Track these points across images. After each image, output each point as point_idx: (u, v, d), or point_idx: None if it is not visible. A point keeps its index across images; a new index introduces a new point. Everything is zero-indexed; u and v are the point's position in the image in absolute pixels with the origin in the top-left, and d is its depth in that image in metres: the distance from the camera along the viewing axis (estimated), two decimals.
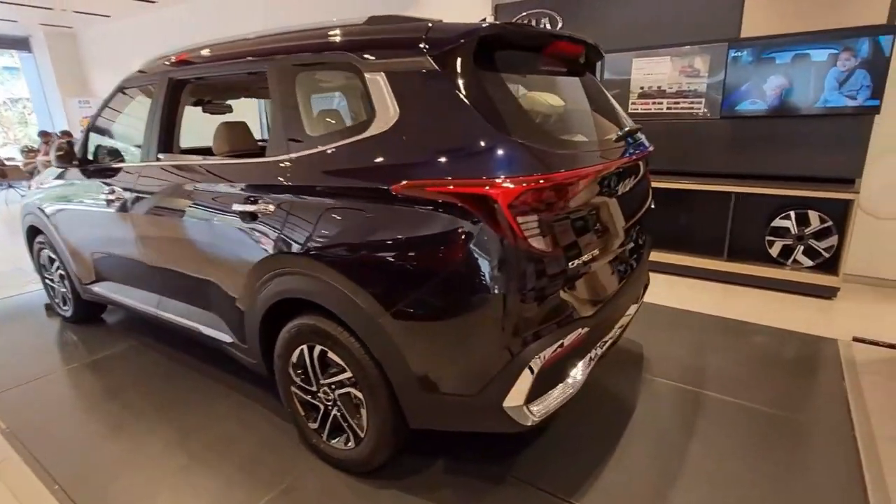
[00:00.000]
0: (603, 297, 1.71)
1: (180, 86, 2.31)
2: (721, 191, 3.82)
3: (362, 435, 1.77)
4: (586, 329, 1.61)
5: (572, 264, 1.51)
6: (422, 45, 1.51)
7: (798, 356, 2.78)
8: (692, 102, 3.91)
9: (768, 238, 3.83)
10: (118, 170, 2.54)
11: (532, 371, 1.45)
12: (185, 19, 7.81)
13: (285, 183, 1.75)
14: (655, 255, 4.06)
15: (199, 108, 2.99)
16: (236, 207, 1.89)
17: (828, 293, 3.58)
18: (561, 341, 1.51)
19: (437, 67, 1.47)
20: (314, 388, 1.87)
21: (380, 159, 1.53)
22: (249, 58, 1.96)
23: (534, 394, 1.50)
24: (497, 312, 1.39)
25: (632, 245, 2.00)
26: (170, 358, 2.84)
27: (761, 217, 3.88)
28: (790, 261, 3.76)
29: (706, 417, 2.19)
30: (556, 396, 1.56)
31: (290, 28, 1.91)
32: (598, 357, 1.80)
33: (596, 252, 1.63)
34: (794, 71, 3.49)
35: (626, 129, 1.98)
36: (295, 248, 1.70)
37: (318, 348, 1.79)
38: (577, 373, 1.63)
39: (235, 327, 2.09)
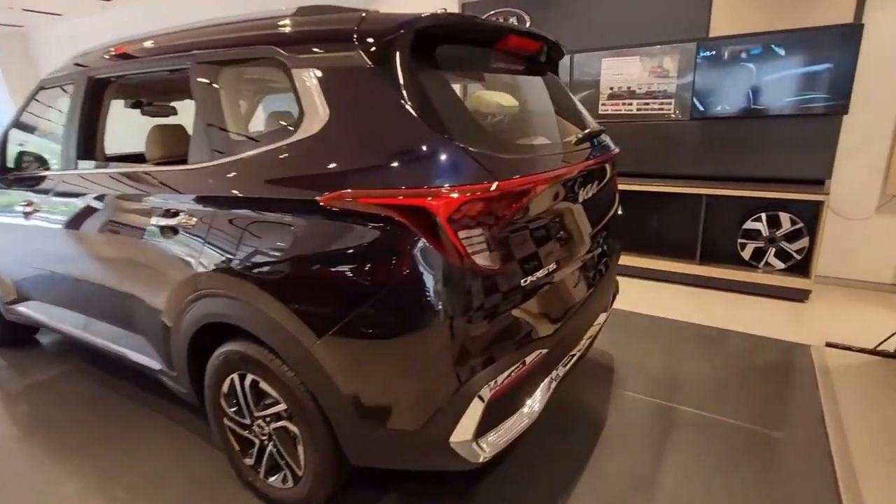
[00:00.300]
0: (565, 313, 1.57)
1: (102, 85, 2.09)
2: (692, 193, 3.76)
3: (300, 473, 1.59)
4: (545, 350, 1.47)
5: (527, 281, 1.37)
6: (353, 38, 1.35)
7: (771, 364, 2.69)
8: (662, 103, 3.84)
9: (740, 241, 3.77)
10: (37, 178, 2.30)
11: (482, 401, 1.30)
12: (142, 18, 7.48)
13: (207, 193, 1.56)
14: (627, 260, 3.97)
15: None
16: (157, 220, 1.69)
17: (800, 296, 3.53)
18: (515, 366, 1.37)
19: (369, 63, 1.31)
20: (248, 422, 1.69)
21: (307, 166, 1.37)
22: (170, 54, 1.77)
23: (484, 426, 1.34)
24: (440, 338, 1.24)
25: (598, 252, 1.87)
26: (104, 384, 2.61)
27: (733, 219, 3.82)
28: (762, 263, 3.71)
29: (678, 435, 2.08)
30: (511, 428, 1.41)
31: (214, 21, 1.72)
32: (562, 377, 1.67)
33: (555, 265, 1.49)
34: (762, 71, 3.44)
35: (588, 130, 1.86)
36: (218, 266, 1.52)
37: (249, 377, 1.61)
38: (535, 399, 1.49)
39: (163, 353, 1.88)
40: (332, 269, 1.30)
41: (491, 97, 1.54)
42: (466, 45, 1.55)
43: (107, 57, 2.05)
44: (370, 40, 1.32)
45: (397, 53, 1.30)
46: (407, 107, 1.26)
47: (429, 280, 1.20)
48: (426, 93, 1.30)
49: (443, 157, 1.23)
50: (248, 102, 2.80)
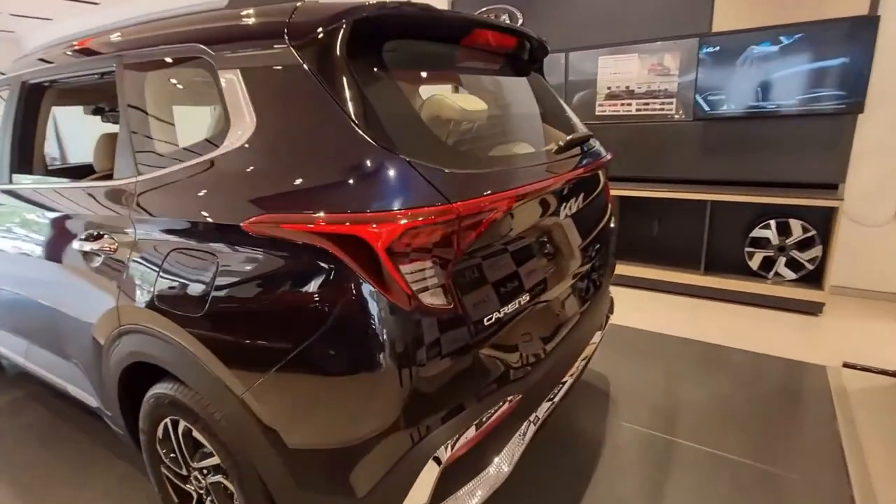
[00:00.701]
0: (547, 345, 1.36)
1: (37, 90, 1.90)
2: (696, 199, 3.52)
3: None
4: (518, 396, 1.25)
5: (493, 317, 1.15)
6: (284, 33, 1.14)
7: (784, 389, 2.46)
8: (663, 103, 3.61)
9: (748, 249, 3.53)
10: None
11: (438, 463, 1.09)
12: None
13: (128, 214, 1.36)
14: (627, 269, 3.74)
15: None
16: (81, 244, 1.49)
17: (813, 308, 3.28)
18: (480, 419, 1.15)
19: (300, 61, 1.10)
20: (185, 472, 1.48)
21: (232, 185, 1.16)
22: (97, 54, 1.57)
23: (442, 492, 1.12)
24: (384, 393, 1.03)
25: (589, 268, 1.67)
26: (57, 414, 2.41)
27: (740, 227, 3.58)
28: (772, 274, 3.47)
29: (678, 475, 1.85)
30: (474, 492, 1.19)
31: (144, 17, 1.52)
32: (545, 416, 1.45)
33: (533, 292, 1.28)
34: (770, 67, 3.20)
35: (574, 136, 1.64)
36: (139, 299, 1.32)
37: (182, 424, 1.40)
38: (506, 455, 1.27)
39: (99, 390, 1.68)
40: (259, 309, 1.09)
41: (452, 101, 1.33)
42: (426, 40, 1.34)
43: (39, 60, 1.86)
44: (302, 35, 1.11)
45: (334, 49, 1.09)
46: (342, 113, 1.05)
47: (367, 325, 0.99)
48: (368, 96, 1.09)
49: (384, 174, 1.02)
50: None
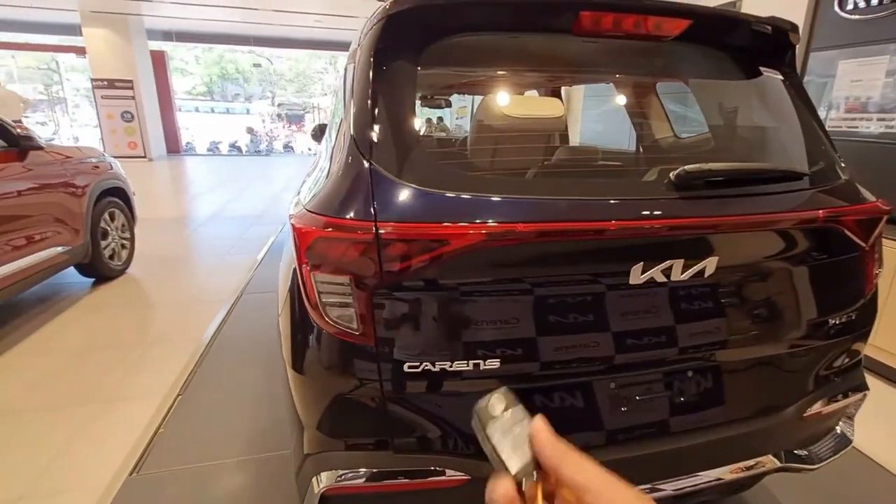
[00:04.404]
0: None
1: None
2: None
3: None
4: (462, 476, 0.93)
5: (421, 368, 0.87)
6: (366, 30, 1.11)
7: None
8: None
9: None
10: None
11: (315, 488, 0.94)
12: None
13: None
14: None
15: None
16: None
17: None
18: (385, 470, 0.93)
19: (359, 59, 1.07)
20: None
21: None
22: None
23: None
24: (291, 377, 1.00)
25: (715, 370, 1.04)
26: None
27: None
28: None
29: None
30: None
31: None
32: None
33: (502, 362, 0.89)
34: None
35: (694, 169, 0.90)
36: None
37: None
38: None
39: None
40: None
41: (496, 107, 0.96)
42: (513, 32, 1.03)
43: None
44: (365, 31, 1.07)
45: (373, 46, 0.99)
46: (351, 115, 0.98)
47: (292, 310, 0.96)
48: (381, 98, 0.95)
49: (346, 178, 0.91)
50: None
